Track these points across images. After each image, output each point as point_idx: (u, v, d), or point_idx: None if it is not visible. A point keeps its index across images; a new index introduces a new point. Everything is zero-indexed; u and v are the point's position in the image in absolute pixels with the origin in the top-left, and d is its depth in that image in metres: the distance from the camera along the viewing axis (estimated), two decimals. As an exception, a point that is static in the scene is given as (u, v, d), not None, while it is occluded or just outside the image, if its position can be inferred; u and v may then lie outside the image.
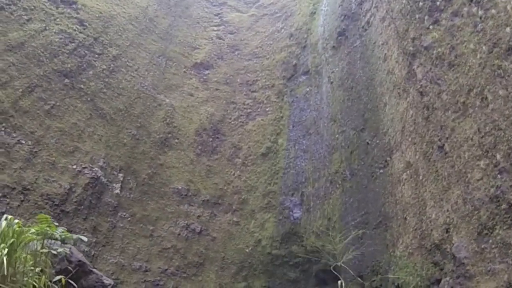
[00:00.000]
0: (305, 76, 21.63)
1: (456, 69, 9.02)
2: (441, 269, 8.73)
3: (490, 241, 7.22)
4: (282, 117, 21.16)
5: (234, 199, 19.44)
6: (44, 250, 5.98)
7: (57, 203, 14.57)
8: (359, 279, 13.28)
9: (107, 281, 8.22)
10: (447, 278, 8.32)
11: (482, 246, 7.36)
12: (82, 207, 15.28)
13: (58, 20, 17.58)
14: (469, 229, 7.81)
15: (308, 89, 20.96)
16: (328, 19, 20.90)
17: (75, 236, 6.51)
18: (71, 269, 6.75)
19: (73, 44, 17.70)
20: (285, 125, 20.84)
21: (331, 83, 18.74)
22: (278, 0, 26.57)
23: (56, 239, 6.76)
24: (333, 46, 19.43)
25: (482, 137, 7.77)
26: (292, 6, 25.22)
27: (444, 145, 9.11)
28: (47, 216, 6.14)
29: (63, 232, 6.43)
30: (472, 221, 7.74)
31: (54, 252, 6.15)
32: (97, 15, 19.31)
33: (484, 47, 8.11)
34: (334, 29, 19.67)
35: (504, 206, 7.04)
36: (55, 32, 17.29)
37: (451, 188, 8.63)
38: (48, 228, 6.13)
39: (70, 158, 15.73)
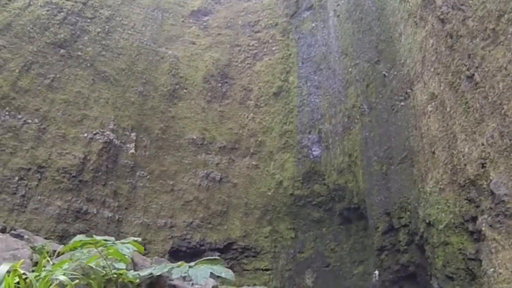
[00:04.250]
0: (309, 12, 20.74)
1: (482, -7, 8.33)
2: (477, 206, 8.30)
3: (533, 176, 6.89)
4: (290, 54, 20.48)
5: (251, 142, 19.15)
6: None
7: (74, 174, 14.52)
8: (386, 216, 13.10)
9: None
10: (485, 216, 7.89)
11: (524, 182, 7.03)
12: (100, 173, 15.15)
13: (41, -7, 16.96)
14: (508, 165, 7.37)
15: (313, 25, 20.13)
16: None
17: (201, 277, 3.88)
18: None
19: (62, 13, 17.16)
20: (294, 62, 20.20)
21: (338, 16, 17.91)
22: None
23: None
24: (337, -22, 18.46)
25: (517, 66, 7.25)
26: None
27: (473, 75, 8.50)
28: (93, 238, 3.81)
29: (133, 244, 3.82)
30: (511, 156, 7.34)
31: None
32: (81, -21, 18.48)
33: (515, -32, 7.44)
34: (337, -40, 18.61)
35: (547, 139, 6.66)
36: (40, 6, 16.77)
37: (485, 120, 8.11)
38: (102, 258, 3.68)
39: (80, 127, 15.55)
